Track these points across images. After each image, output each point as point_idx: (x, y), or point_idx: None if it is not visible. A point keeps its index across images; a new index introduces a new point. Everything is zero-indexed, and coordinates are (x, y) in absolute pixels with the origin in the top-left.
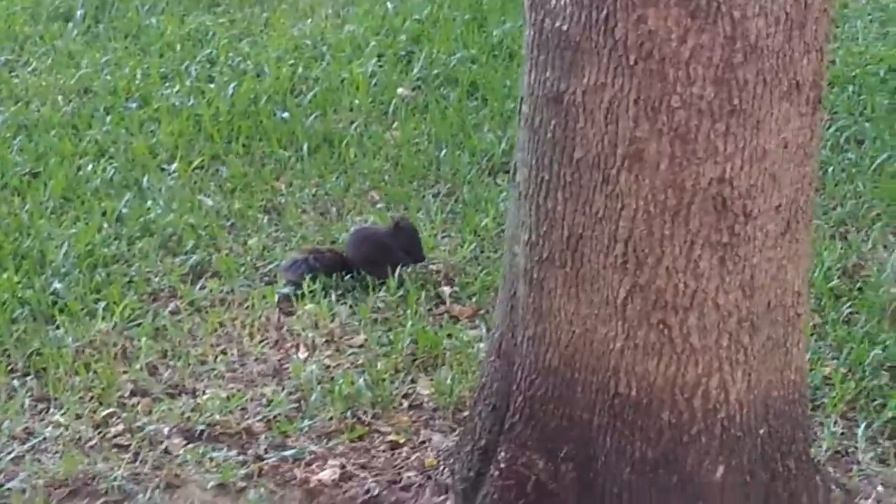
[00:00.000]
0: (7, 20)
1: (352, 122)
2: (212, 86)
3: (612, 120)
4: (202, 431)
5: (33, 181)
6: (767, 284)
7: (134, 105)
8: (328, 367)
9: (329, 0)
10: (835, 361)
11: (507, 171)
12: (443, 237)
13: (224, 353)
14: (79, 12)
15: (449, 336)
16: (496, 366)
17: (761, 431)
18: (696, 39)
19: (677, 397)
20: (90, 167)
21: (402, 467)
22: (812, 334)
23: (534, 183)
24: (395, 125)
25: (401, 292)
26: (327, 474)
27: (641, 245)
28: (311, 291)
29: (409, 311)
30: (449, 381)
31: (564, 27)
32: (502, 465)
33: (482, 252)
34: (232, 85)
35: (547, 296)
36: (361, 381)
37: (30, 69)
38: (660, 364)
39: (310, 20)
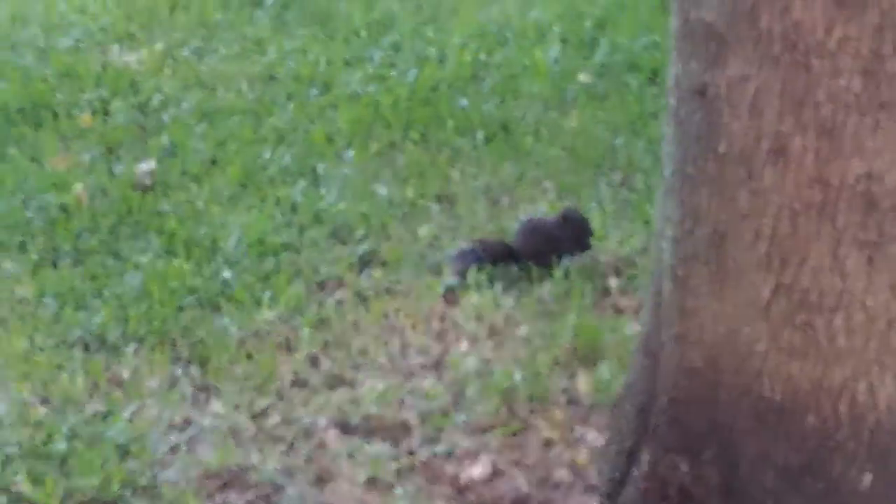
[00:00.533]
0: (199, 7)
1: (530, 110)
2: (393, 73)
3: (757, 114)
4: (357, 424)
5: (212, 168)
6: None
7: (315, 92)
8: (488, 359)
9: None
10: None
11: None
12: (614, 228)
13: (385, 344)
14: None
15: (612, 330)
16: (643, 364)
17: None
18: (842, 30)
19: (823, 401)
20: (268, 154)
21: (554, 465)
22: None
23: (679, 178)
24: (573, 112)
25: (567, 284)
26: (478, 470)
27: (786, 243)
28: (476, 283)
29: (573, 304)
30: (608, 377)
31: (709, 18)
32: (645, 468)
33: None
34: (413, 71)
35: (691, 294)
36: (518, 374)
37: (218, 56)
38: (804, 367)
39: (496, 5)
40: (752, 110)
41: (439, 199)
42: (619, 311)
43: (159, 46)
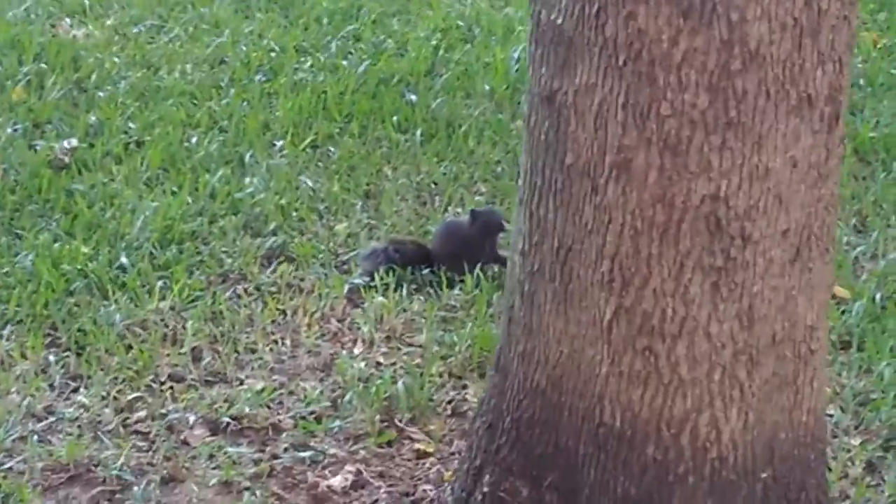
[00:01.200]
0: None
1: (480, 110)
2: (345, 63)
3: (602, 125)
4: (227, 424)
5: (137, 150)
6: (772, 316)
7: (262, 77)
8: (380, 364)
9: None
10: None
11: None
12: None
13: (276, 342)
14: None
15: None
16: (494, 381)
17: (763, 475)
18: (688, 42)
19: (663, 432)
20: (195, 139)
21: (421, 479)
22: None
23: (528, 188)
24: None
25: (477, 291)
26: (338, 481)
27: (628, 263)
28: (384, 284)
29: (477, 312)
30: None
31: (559, 20)
32: (486, 490)
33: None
34: (366, 63)
35: (537, 310)
36: (402, 383)
37: (170, 36)
38: (645, 394)
39: (471, 1)
40: (598, 121)
41: (367, 195)
42: None
43: (110, 22)
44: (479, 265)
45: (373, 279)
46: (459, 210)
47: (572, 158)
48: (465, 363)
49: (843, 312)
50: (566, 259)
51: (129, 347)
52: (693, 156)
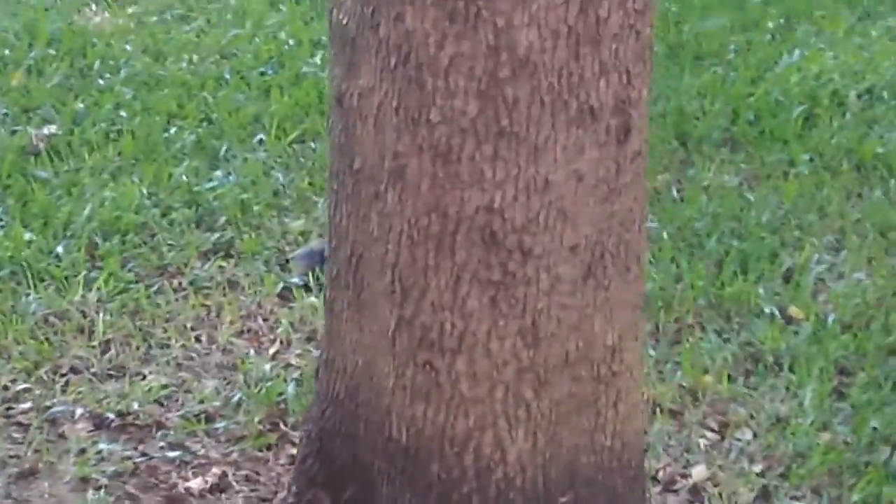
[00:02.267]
0: None
1: None
2: None
3: (380, 129)
4: (112, 420)
5: (117, 140)
6: (562, 334)
7: (269, 71)
8: (290, 366)
9: None
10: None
11: None
12: None
13: (191, 339)
14: None
15: None
16: (314, 389)
17: (563, 500)
18: (455, 47)
19: (446, 450)
20: (173, 130)
21: (285, 485)
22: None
23: (328, 192)
24: None
25: None
26: (198, 483)
27: (407, 274)
28: (319, 285)
29: None
30: None
31: (345, 20)
32: (291, 500)
33: None
34: None
35: (336, 319)
36: (292, 385)
37: (192, 26)
38: (428, 410)
39: None
40: (377, 125)
41: None
42: None
43: (133, 10)
44: None
45: (308, 279)
46: None
47: (359, 163)
48: None
49: (795, 333)
50: (357, 267)
51: (35, 338)
52: (465, 165)
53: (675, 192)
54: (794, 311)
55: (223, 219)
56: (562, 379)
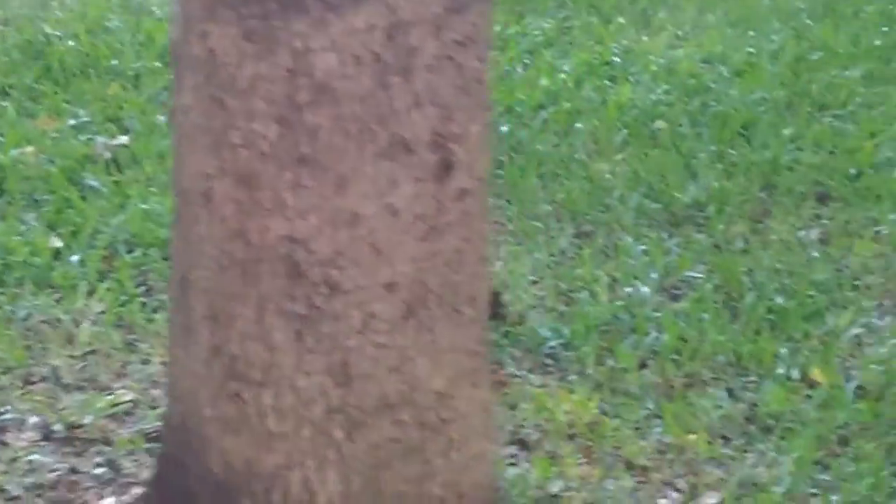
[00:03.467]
0: None
1: (565, 146)
2: None
3: (196, 149)
4: (59, 432)
5: None
6: (380, 375)
7: None
8: None
9: None
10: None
11: None
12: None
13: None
14: None
15: None
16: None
17: None
18: (254, 68)
19: (256, 487)
20: None
21: None
22: None
23: (174, 209)
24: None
25: None
26: (110, 502)
27: (217, 301)
28: None
29: None
30: None
31: (173, 35)
32: None
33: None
34: None
35: (171, 341)
36: None
37: None
38: (238, 444)
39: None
40: (193, 145)
41: None
42: None
43: None
44: None
45: None
46: None
47: (186, 182)
48: None
49: (808, 398)
50: (184, 289)
51: (23, 345)
52: (266, 191)
53: (740, 244)
54: (815, 374)
55: None
56: (381, 422)
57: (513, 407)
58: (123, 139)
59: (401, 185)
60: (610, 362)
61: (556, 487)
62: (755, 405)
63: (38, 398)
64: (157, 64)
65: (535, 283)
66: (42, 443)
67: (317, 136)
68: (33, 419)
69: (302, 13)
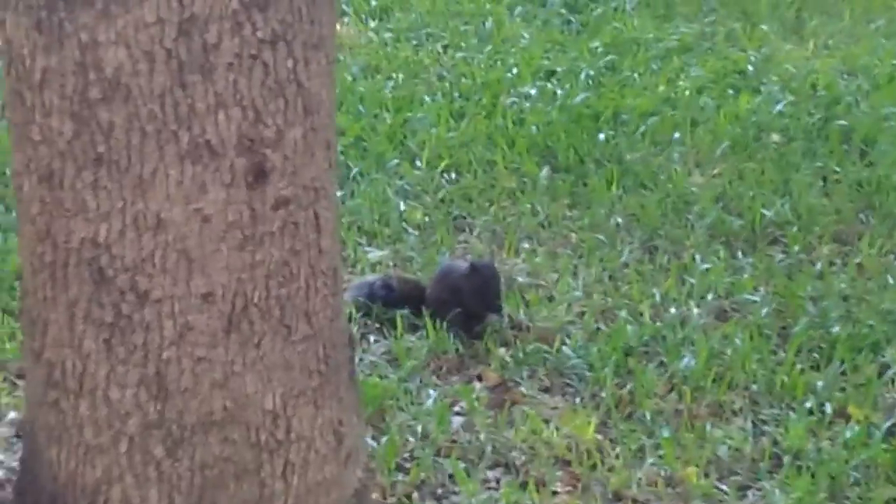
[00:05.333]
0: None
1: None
2: (559, 91)
3: (11, 145)
4: None
5: None
6: (203, 391)
7: (477, 97)
8: None
9: None
10: None
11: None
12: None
13: None
14: None
15: (411, 395)
16: None
17: None
18: (45, 60)
19: (79, 499)
20: None
21: None
22: None
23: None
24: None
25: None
26: None
27: (33, 305)
28: (354, 318)
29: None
30: None
31: None
32: None
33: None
34: (584, 94)
35: (24, 350)
36: None
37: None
38: (61, 455)
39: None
40: (10, 141)
41: (454, 226)
42: (471, 378)
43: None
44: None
45: (357, 310)
46: (519, 260)
47: (12, 178)
48: None
49: (832, 435)
50: (24, 291)
51: None
52: (67, 191)
53: (819, 266)
54: (851, 410)
55: None
56: (208, 439)
57: (514, 428)
58: None
59: (209, 190)
60: (630, 386)
61: None
62: (776, 439)
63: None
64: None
65: (580, 299)
66: (13, 439)
67: (112, 135)
68: (11, 414)
69: (87, 5)
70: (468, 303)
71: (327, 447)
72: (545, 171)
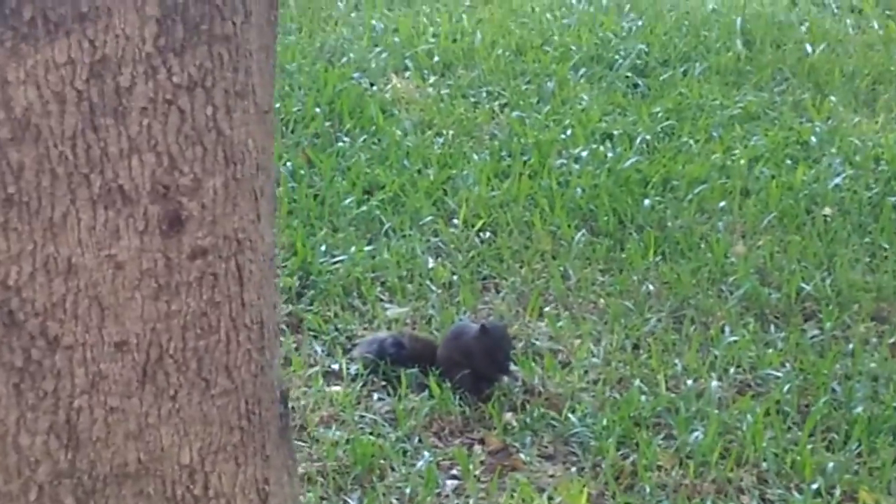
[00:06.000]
0: None
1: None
2: (609, 154)
3: None
4: None
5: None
6: (117, 442)
7: (525, 157)
8: None
9: None
10: None
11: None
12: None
13: None
14: None
15: (406, 455)
16: None
17: None
18: None
19: None
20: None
21: None
22: None
23: None
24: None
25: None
26: None
27: None
28: (361, 374)
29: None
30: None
31: None
32: None
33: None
34: (635, 158)
35: None
36: None
37: (481, 102)
38: None
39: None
40: None
41: (482, 287)
42: (471, 441)
43: (451, 82)
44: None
45: (364, 367)
46: (542, 324)
47: None
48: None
49: None
50: None
51: None
52: None
53: (852, 344)
54: (862, 494)
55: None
56: (121, 492)
57: (508, 495)
58: None
59: (123, 236)
60: (634, 457)
61: None
62: None
63: None
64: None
65: (597, 366)
66: None
67: (22, 176)
68: None
69: None
70: (478, 364)
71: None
72: (581, 234)
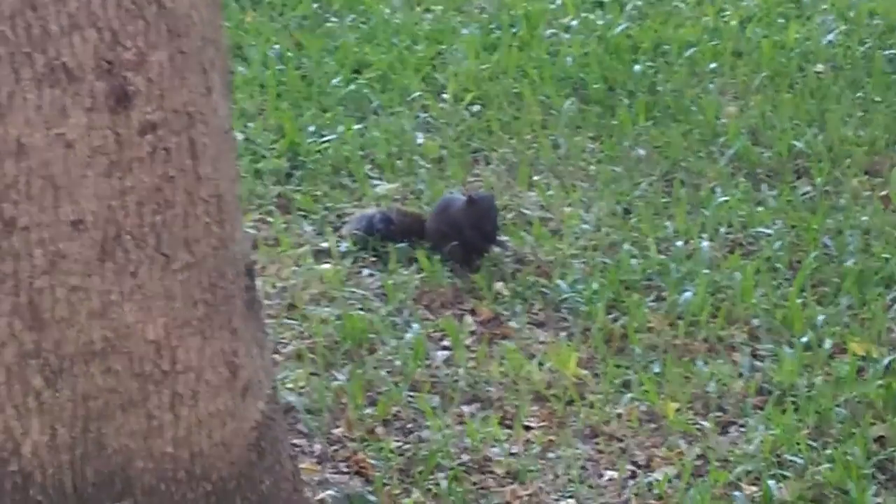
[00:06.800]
0: None
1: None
2: (600, 21)
3: None
4: None
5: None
6: (80, 321)
7: (514, 29)
8: None
9: None
10: None
11: None
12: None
13: None
14: None
15: (396, 329)
16: None
17: None
18: None
19: None
20: (337, 80)
21: None
22: None
23: None
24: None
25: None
26: None
27: None
28: (351, 251)
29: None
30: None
31: None
32: None
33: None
34: (623, 25)
35: None
36: None
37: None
38: None
39: None
40: None
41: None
42: (462, 312)
43: None
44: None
45: (349, 243)
46: (532, 193)
47: None
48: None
49: (827, 372)
50: None
51: None
52: None
53: (844, 199)
54: (852, 345)
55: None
56: (89, 369)
57: (498, 362)
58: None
59: (70, 114)
60: (624, 320)
61: (492, 452)
62: (770, 375)
63: None
64: None
65: (588, 232)
66: None
67: None
68: None
69: None
70: (466, 235)
71: (219, 378)
72: (571, 103)
